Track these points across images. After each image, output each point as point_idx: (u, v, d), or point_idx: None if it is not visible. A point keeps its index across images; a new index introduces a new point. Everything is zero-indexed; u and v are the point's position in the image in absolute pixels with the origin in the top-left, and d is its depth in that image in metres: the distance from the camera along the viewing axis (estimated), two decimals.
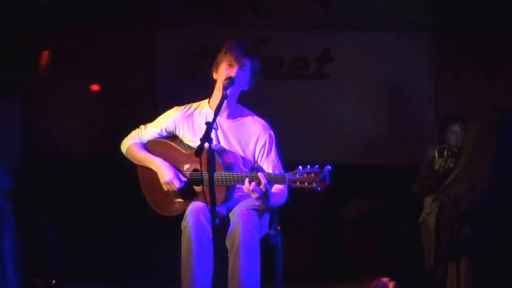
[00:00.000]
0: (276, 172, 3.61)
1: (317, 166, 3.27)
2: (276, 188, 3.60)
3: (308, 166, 3.28)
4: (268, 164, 3.68)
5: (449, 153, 4.73)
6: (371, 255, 5.70)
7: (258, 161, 3.69)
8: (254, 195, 3.40)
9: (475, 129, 4.04)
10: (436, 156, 4.76)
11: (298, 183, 3.29)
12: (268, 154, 3.68)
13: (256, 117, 3.77)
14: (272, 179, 3.39)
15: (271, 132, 3.75)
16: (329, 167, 3.24)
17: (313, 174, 3.25)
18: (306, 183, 3.26)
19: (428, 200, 4.16)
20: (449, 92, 6.13)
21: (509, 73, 5.70)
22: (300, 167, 3.30)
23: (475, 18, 5.88)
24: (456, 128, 5.22)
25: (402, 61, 6.09)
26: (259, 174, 3.37)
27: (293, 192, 3.61)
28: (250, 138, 3.69)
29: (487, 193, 3.70)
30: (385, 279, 4.58)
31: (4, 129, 5.41)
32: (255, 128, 3.71)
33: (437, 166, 4.66)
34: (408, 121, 6.08)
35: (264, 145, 3.69)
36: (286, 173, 3.35)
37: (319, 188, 3.26)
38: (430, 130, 5.95)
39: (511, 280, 3.60)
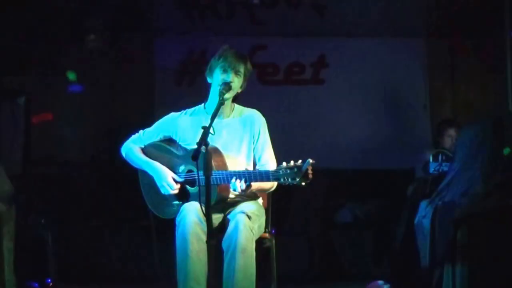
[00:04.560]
0: (268, 156, 3.68)
1: (300, 161, 3.24)
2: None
3: (292, 162, 3.25)
4: (261, 148, 3.72)
5: (444, 157, 4.77)
6: (366, 259, 5.71)
7: (252, 147, 3.72)
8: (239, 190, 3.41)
9: (469, 134, 4.06)
10: (431, 160, 4.80)
11: (282, 179, 3.27)
12: (260, 139, 3.72)
13: (246, 109, 3.80)
14: (256, 177, 3.39)
15: (263, 118, 3.77)
16: (310, 160, 3.19)
17: (296, 169, 3.23)
18: (289, 179, 3.24)
19: (423, 204, 4.18)
20: (443, 97, 6.18)
21: (503, 78, 5.74)
22: (284, 163, 3.27)
23: (468, 24, 5.93)
24: (452, 132, 5.30)
25: (396, 66, 6.13)
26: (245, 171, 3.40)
27: (288, 195, 3.61)
28: (242, 132, 3.72)
29: (482, 196, 3.72)
30: (380, 282, 4.60)
31: (6, 134, 5.45)
32: (247, 120, 3.75)
33: (431, 170, 4.71)
34: (402, 126, 6.11)
35: (258, 131, 3.72)
36: (270, 170, 3.32)
37: (303, 183, 3.24)
38: (425, 135, 6.00)
39: (506, 283, 3.62)
